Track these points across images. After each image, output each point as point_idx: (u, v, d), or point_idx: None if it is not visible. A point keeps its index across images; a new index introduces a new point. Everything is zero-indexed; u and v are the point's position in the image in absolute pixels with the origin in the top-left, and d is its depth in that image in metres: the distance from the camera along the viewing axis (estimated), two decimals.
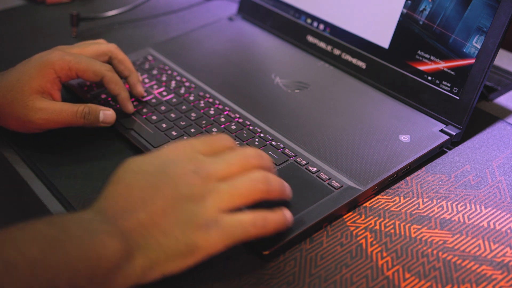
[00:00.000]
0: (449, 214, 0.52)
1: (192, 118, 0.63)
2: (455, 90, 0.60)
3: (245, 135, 0.60)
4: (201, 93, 0.67)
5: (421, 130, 0.60)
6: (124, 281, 0.41)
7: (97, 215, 0.42)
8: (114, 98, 0.66)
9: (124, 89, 0.62)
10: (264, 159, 0.47)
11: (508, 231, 0.50)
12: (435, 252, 0.49)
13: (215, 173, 0.44)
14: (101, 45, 0.64)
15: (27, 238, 0.38)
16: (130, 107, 0.63)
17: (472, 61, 0.59)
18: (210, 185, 0.43)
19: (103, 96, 0.66)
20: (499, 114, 0.66)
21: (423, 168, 0.58)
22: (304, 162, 0.56)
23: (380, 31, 0.67)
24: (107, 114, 0.60)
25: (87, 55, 0.62)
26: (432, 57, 0.62)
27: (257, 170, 0.46)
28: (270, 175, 0.46)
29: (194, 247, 0.42)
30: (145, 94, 0.67)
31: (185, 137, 0.60)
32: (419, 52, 0.63)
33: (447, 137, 0.59)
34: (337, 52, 0.72)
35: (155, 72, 0.71)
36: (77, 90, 0.67)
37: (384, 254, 0.49)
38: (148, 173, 0.44)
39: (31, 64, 0.59)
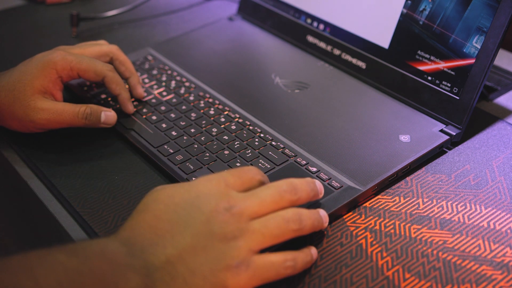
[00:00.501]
0: (449, 214, 0.52)
1: (192, 118, 0.63)
2: (455, 90, 0.60)
3: (245, 135, 0.60)
4: (201, 93, 0.67)
5: (421, 130, 0.60)
6: None
7: (123, 246, 0.41)
8: (114, 98, 0.66)
9: (125, 89, 0.62)
10: (300, 193, 0.46)
11: (508, 231, 0.50)
12: (435, 252, 0.49)
13: (247, 211, 0.43)
14: (103, 46, 0.64)
15: (45, 269, 0.37)
16: (130, 107, 0.63)
17: (472, 61, 0.59)
18: (242, 224, 0.42)
19: (103, 96, 0.66)
20: (499, 114, 0.66)
21: (423, 168, 0.58)
22: (304, 162, 0.56)
23: (380, 31, 0.67)
24: (108, 115, 0.60)
25: (89, 55, 0.62)
26: (432, 57, 0.62)
27: (290, 208, 0.45)
28: (303, 213, 0.45)
29: (222, 287, 0.41)
30: (145, 95, 0.67)
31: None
32: (419, 52, 0.63)
33: (447, 137, 0.59)
34: (337, 52, 0.72)
35: (155, 72, 0.71)
36: (77, 90, 0.67)
37: (384, 254, 0.49)
38: (179, 206, 0.42)
39: (33, 64, 0.59)
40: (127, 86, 0.65)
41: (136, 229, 0.42)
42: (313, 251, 0.47)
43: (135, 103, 0.65)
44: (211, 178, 0.45)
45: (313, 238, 0.50)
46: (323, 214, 0.48)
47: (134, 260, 0.40)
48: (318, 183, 0.48)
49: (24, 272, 0.36)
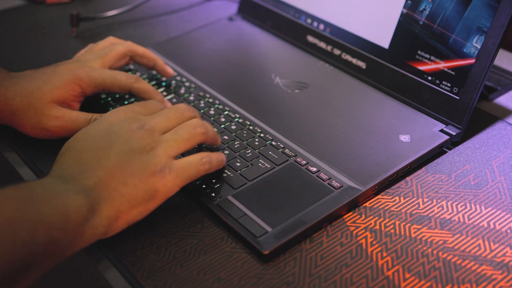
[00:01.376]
0: (449, 214, 0.52)
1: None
2: (455, 90, 0.60)
3: (245, 135, 0.60)
4: (201, 93, 0.67)
5: (421, 130, 0.60)
6: (93, 231, 0.44)
7: (57, 179, 0.45)
8: (114, 99, 0.66)
9: (155, 92, 0.62)
10: (195, 111, 0.54)
11: (508, 231, 0.50)
12: (435, 252, 0.49)
13: (157, 126, 0.50)
14: (119, 47, 0.64)
15: (1, 199, 0.41)
16: (168, 105, 0.62)
17: (472, 61, 0.59)
18: (156, 137, 0.49)
19: (103, 96, 0.66)
20: (499, 114, 0.66)
21: (423, 168, 0.58)
22: (304, 162, 0.56)
23: (380, 31, 0.67)
24: None
25: (110, 63, 0.63)
26: (432, 57, 0.62)
27: (193, 118, 0.52)
28: (204, 122, 0.52)
29: (154, 191, 0.47)
30: (174, 73, 0.70)
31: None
32: (419, 52, 0.63)
33: (447, 137, 0.59)
34: (337, 52, 0.72)
35: (155, 72, 0.71)
36: None
37: (384, 254, 0.49)
38: (96, 137, 0.48)
39: (57, 75, 0.59)
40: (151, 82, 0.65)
41: (63, 166, 0.47)
42: (222, 154, 0.54)
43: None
44: (118, 109, 0.51)
45: (313, 237, 0.50)
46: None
47: (70, 186, 0.44)
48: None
49: None
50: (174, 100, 0.66)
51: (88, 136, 0.48)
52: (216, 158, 0.52)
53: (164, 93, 0.67)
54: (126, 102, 0.65)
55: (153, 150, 0.48)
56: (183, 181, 0.48)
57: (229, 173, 0.55)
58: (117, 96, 0.67)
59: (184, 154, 0.54)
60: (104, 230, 0.45)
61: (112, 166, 0.46)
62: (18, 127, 0.59)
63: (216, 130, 0.56)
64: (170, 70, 0.68)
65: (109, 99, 0.66)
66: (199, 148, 0.56)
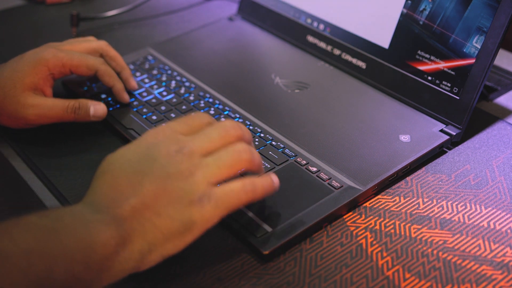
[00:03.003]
0: (449, 214, 0.52)
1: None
2: (455, 90, 0.60)
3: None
4: (201, 93, 0.67)
5: (421, 130, 0.60)
6: (122, 266, 0.41)
7: (88, 206, 0.42)
8: (114, 99, 0.66)
9: (118, 80, 0.64)
10: (243, 129, 0.48)
11: (508, 231, 0.50)
12: (435, 252, 0.49)
13: (198, 149, 0.45)
14: (92, 43, 0.65)
15: (21, 229, 0.38)
16: (126, 96, 0.64)
17: (472, 61, 0.59)
18: (196, 161, 0.44)
19: (103, 96, 0.66)
20: (499, 114, 0.66)
21: (423, 168, 0.58)
22: (304, 162, 0.56)
23: (380, 31, 0.67)
24: (97, 109, 0.60)
25: (79, 51, 0.63)
26: (432, 57, 0.62)
27: (239, 142, 0.46)
28: (251, 147, 0.47)
29: (190, 223, 0.42)
30: (137, 88, 0.68)
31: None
32: (419, 52, 0.63)
33: (447, 137, 0.59)
34: (337, 52, 0.72)
35: (155, 72, 0.71)
36: (77, 90, 0.67)
37: (384, 254, 0.48)
38: (132, 161, 0.44)
39: (24, 61, 0.59)
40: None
41: (97, 192, 0.43)
42: (273, 176, 0.48)
43: (135, 102, 0.65)
44: (158, 129, 0.46)
45: (313, 237, 0.50)
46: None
47: (101, 215, 0.41)
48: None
49: (2, 235, 0.38)
50: (174, 100, 0.66)
51: (124, 159, 0.45)
52: (261, 186, 0.46)
53: (164, 93, 0.67)
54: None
55: (192, 176, 0.43)
56: (223, 211, 0.43)
57: None
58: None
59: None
60: (135, 264, 0.42)
61: (146, 194, 0.42)
62: None
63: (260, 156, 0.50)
64: (134, 83, 0.66)
65: (109, 98, 0.66)
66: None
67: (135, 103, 0.65)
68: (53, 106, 0.59)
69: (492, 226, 0.51)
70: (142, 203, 0.42)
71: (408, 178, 0.56)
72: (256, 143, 0.59)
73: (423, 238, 0.50)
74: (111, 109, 0.64)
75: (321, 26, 0.74)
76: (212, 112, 0.64)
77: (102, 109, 0.61)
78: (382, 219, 0.52)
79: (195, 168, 0.43)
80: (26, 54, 0.60)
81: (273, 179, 0.47)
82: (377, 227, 0.51)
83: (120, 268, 0.41)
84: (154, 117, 0.63)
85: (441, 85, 0.62)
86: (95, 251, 0.39)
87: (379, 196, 0.55)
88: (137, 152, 0.45)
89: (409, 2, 0.64)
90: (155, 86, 0.69)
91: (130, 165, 0.44)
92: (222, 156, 0.45)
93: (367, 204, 0.54)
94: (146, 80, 0.70)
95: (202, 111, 0.64)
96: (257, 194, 0.45)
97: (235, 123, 0.47)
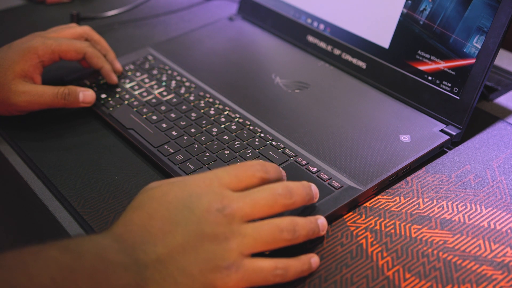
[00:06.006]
0: (449, 214, 0.52)
1: (192, 118, 0.63)
2: (456, 90, 0.60)
3: (245, 135, 0.60)
4: (201, 93, 0.67)
5: (421, 130, 0.60)
6: None
7: (114, 242, 0.41)
8: (115, 99, 0.66)
9: (106, 62, 0.66)
10: (295, 197, 0.45)
11: (509, 231, 0.50)
12: (435, 252, 0.49)
13: (240, 212, 0.42)
14: (76, 28, 0.67)
15: (39, 264, 0.37)
16: (114, 77, 0.67)
17: (473, 61, 0.59)
18: (234, 226, 0.42)
19: (103, 96, 0.66)
20: (499, 114, 0.66)
21: (423, 168, 0.58)
22: (305, 162, 0.56)
23: (380, 31, 0.67)
24: (86, 94, 0.62)
25: (65, 37, 0.65)
26: (432, 57, 0.62)
27: (287, 217, 0.44)
28: (298, 223, 0.44)
29: (211, 287, 0.41)
30: (122, 70, 0.70)
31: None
32: (419, 52, 0.63)
33: (447, 137, 0.59)
34: (337, 52, 0.72)
35: (155, 72, 0.71)
36: None
37: (385, 254, 0.48)
38: (172, 205, 0.42)
39: (13, 50, 0.61)
40: None
41: (129, 226, 0.42)
42: (313, 260, 0.46)
43: (135, 103, 0.65)
44: (206, 177, 0.44)
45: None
46: (321, 222, 0.47)
47: (125, 257, 0.40)
48: (314, 187, 0.48)
49: (18, 268, 0.36)
50: (174, 100, 0.66)
51: (164, 199, 0.43)
52: (294, 271, 0.44)
53: (164, 93, 0.67)
54: (118, 95, 0.65)
55: (226, 242, 0.41)
56: (246, 285, 0.42)
57: None
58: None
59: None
60: None
61: (175, 246, 0.41)
62: None
63: (321, 222, 0.47)
64: (119, 65, 0.69)
65: (109, 98, 0.66)
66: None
67: (135, 103, 0.65)
68: (43, 92, 0.60)
69: (492, 226, 0.51)
70: (169, 255, 0.40)
71: (408, 178, 0.56)
72: (256, 143, 0.59)
73: (423, 238, 0.50)
74: (118, 106, 0.64)
75: (321, 26, 0.74)
76: (212, 112, 0.64)
77: (91, 95, 0.62)
78: (382, 219, 0.52)
79: (232, 235, 0.42)
80: (14, 44, 0.62)
81: (312, 264, 0.45)
82: (377, 227, 0.51)
83: None
84: (154, 117, 0.63)
85: (441, 85, 0.62)
86: None
87: (379, 196, 0.55)
88: (178, 197, 0.43)
89: (409, 2, 0.64)
90: (155, 86, 0.69)
91: (168, 208, 0.42)
92: (263, 229, 0.42)
93: (367, 204, 0.54)
94: (146, 80, 0.70)
95: (202, 111, 0.64)
96: (287, 279, 0.44)
97: (287, 188, 0.45)
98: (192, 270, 0.40)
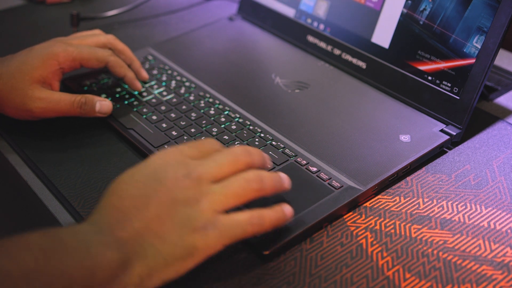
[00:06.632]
0: (449, 214, 0.52)
1: (192, 118, 0.63)
2: (456, 90, 0.60)
3: (245, 135, 0.60)
4: (201, 93, 0.67)
5: (421, 130, 0.60)
6: None
7: (92, 226, 0.42)
8: (114, 98, 0.66)
9: (129, 70, 0.65)
10: (254, 156, 0.47)
11: (509, 231, 0.50)
12: (435, 252, 0.49)
13: (206, 175, 0.44)
14: (100, 37, 0.66)
15: (21, 248, 0.38)
16: (138, 85, 0.66)
17: (473, 61, 0.59)
18: (203, 187, 0.43)
19: (103, 96, 0.66)
20: (499, 114, 0.66)
21: (423, 168, 0.58)
22: (304, 162, 0.56)
23: (380, 31, 0.67)
24: (103, 104, 0.61)
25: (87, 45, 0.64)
26: (432, 57, 0.62)
27: (250, 169, 0.46)
28: (263, 173, 0.46)
29: (193, 250, 0.42)
30: (148, 78, 0.69)
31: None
32: (419, 52, 0.63)
33: (447, 137, 0.59)
34: (337, 52, 0.72)
35: (155, 72, 0.71)
36: (76, 89, 0.67)
37: (385, 254, 0.48)
38: (139, 182, 0.44)
39: (34, 54, 0.60)
40: None
41: (102, 212, 0.43)
42: (286, 208, 0.47)
43: (135, 102, 0.65)
44: (167, 151, 0.46)
45: (313, 237, 0.50)
46: (283, 175, 0.48)
47: (104, 237, 0.41)
48: (282, 174, 0.49)
49: (1, 253, 0.37)
50: (174, 100, 0.66)
51: (132, 180, 0.44)
52: (269, 219, 0.45)
53: (164, 93, 0.67)
54: (118, 95, 0.65)
55: (198, 203, 0.43)
56: (227, 240, 0.43)
57: None
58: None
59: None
60: None
61: (151, 217, 0.42)
62: (2, 109, 0.60)
63: (283, 176, 0.48)
64: (144, 74, 0.68)
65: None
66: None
67: (135, 103, 0.65)
68: (60, 100, 0.59)
69: (492, 226, 0.51)
70: (146, 227, 0.41)
71: (408, 178, 0.56)
72: (256, 143, 0.59)
73: (423, 238, 0.50)
74: (118, 105, 0.64)
75: (321, 26, 0.74)
76: (212, 112, 0.64)
77: (108, 106, 0.61)
78: (382, 219, 0.52)
79: (202, 195, 0.43)
80: (35, 48, 0.61)
81: (286, 212, 0.46)
82: (377, 227, 0.51)
83: None
84: (154, 117, 0.63)
85: (441, 85, 0.62)
86: (95, 274, 0.39)
87: (379, 196, 0.55)
88: (144, 174, 0.44)
89: (409, 2, 0.64)
90: (155, 86, 0.69)
91: (136, 186, 0.43)
92: (230, 184, 0.44)
93: (367, 204, 0.54)
94: (146, 80, 0.70)
95: (202, 111, 0.64)
96: (264, 227, 0.45)
97: (245, 149, 0.47)
98: (171, 237, 0.41)
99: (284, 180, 0.48)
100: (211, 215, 0.42)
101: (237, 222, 0.43)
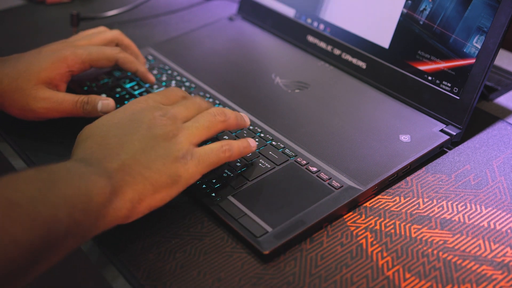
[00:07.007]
0: (449, 214, 0.52)
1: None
2: (455, 90, 0.60)
3: (245, 135, 0.60)
4: (201, 93, 0.67)
5: (421, 130, 0.60)
6: (116, 214, 0.44)
7: (80, 162, 0.45)
8: (98, 85, 0.66)
9: (139, 64, 0.66)
10: (210, 104, 0.56)
11: (509, 231, 0.50)
12: (435, 252, 0.49)
13: (179, 115, 0.51)
14: (106, 34, 0.66)
15: (23, 180, 0.41)
16: (151, 77, 0.67)
17: (473, 61, 0.59)
18: (178, 124, 0.50)
19: (103, 96, 0.66)
20: (499, 114, 0.66)
21: (423, 168, 0.58)
22: (304, 162, 0.56)
23: (380, 31, 0.67)
24: (105, 104, 0.61)
25: (95, 45, 0.64)
26: (432, 57, 0.62)
27: (213, 108, 0.53)
28: (225, 109, 0.54)
29: (176, 177, 0.47)
30: (154, 80, 0.69)
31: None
32: (419, 52, 0.63)
33: (447, 137, 0.59)
34: (337, 52, 0.72)
35: (155, 72, 0.71)
36: (78, 90, 0.67)
37: (385, 254, 0.48)
38: (120, 124, 0.49)
39: (42, 56, 0.60)
40: None
41: (87, 150, 0.47)
42: (250, 140, 0.54)
43: None
44: (140, 99, 0.52)
45: (313, 237, 0.50)
46: (243, 114, 0.56)
47: (94, 168, 0.44)
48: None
49: (6, 185, 0.40)
50: None
51: (111, 122, 0.49)
52: (237, 146, 0.52)
53: None
54: (119, 95, 0.65)
55: (176, 137, 0.49)
56: (204, 167, 0.49)
57: (229, 173, 0.55)
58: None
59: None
60: (127, 213, 0.45)
61: (136, 150, 0.47)
62: (6, 109, 0.60)
63: (243, 114, 0.56)
64: (151, 76, 0.67)
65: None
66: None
67: None
68: (63, 100, 0.59)
69: (492, 226, 0.51)
70: (132, 158, 0.46)
71: (408, 178, 0.56)
72: (256, 143, 0.59)
73: (423, 238, 0.50)
74: (118, 105, 0.64)
75: (321, 26, 0.74)
76: None
77: (110, 105, 0.61)
78: (382, 219, 0.52)
79: (178, 131, 0.49)
80: (44, 50, 0.61)
81: (249, 142, 0.54)
82: (377, 227, 0.51)
83: (114, 216, 0.44)
84: None
85: (441, 85, 0.62)
86: (91, 199, 0.42)
87: (379, 196, 0.55)
88: (123, 117, 0.50)
89: (409, 2, 0.64)
90: (155, 86, 0.68)
91: (118, 127, 0.48)
92: (200, 119, 0.51)
93: (367, 204, 0.54)
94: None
95: None
96: (234, 154, 0.52)
97: (203, 99, 0.55)
98: (156, 165, 0.46)
99: (244, 115, 0.56)
100: (188, 147, 0.49)
101: (210, 150, 0.50)
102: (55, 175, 0.43)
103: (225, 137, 0.59)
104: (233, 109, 0.64)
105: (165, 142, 0.48)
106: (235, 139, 0.59)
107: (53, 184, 0.41)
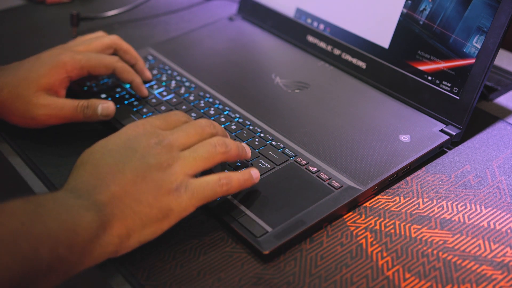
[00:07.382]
0: (449, 214, 0.52)
1: (192, 118, 0.63)
2: (455, 90, 0.60)
3: (245, 135, 0.60)
4: (201, 93, 0.67)
5: (421, 130, 0.60)
6: (103, 250, 0.43)
7: (70, 193, 0.44)
8: (114, 98, 0.66)
9: (136, 75, 0.65)
10: (217, 127, 0.51)
11: (508, 231, 0.50)
12: (435, 252, 0.49)
13: (176, 142, 0.48)
14: (105, 39, 0.66)
15: (7, 213, 0.40)
16: (145, 91, 0.66)
17: (472, 61, 0.59)
18: (174, 153, 0.47)
19: (103, 96, 0.66)
20: (499, 114, 0.66)
21: (423, 168, 0.58)
22: (304, 162, 0.56)
23: (380, 31, 0.67)
24: (105, 107, 0.60)
25: (94, 51, 0.64)
26: (432, 57, 0.62)
27: (214, 136, 0.50)
28: (226, 139, 0.50)
29: (168, 211, 0.45)
30: (152, 78, 0.69)
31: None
32: (419, 52, 0.63)
33: (447, 137, 0.59)
34: (337, 52, 0.72)
35: (155, 72, 0.71)
36: (78, 91, 0.67)
37: (384, 254, 0.48)
38: (113, 151, 0.46)
39: (41, 62, 0.60)
40: None
41: (78, 179, 0.45)
42: (253, 171, 0.51)
43: (135, 103, 0.65)
44: (137, 123, 0.49)
45: (313, 237, 0.50)
46: (244, 144, 0.53)
47: (83, 201, 0.43)
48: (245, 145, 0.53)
49: None
50: (174, 100, 0.66)
51: (105, 149, 0.47)
52: (237, 180, 0.49)
53: (164, 93, 0.67)
54: (118, 95, 0.65)
55: (170, 167, 0.46)
56: (198, 201, 0.46)
57: None
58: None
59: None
60: (114, 249, 0.44)
61: (126, 182, 0.44)
62: (7, 118, 0.60)
63: (244, 144, 0.53)
64: (148, 74, 0.69)
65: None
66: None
67: (135, 103, 0.65)
68: (64, 106, 0.59)
69: (492, 226, 0.51)
70: (123, 190, 0.44)
71: (408, 178, 0.56)
72: (256, 143, 0.59)
73: (423, 238, 0.50)
74: (118, 105, 0.64)
75: (321, 26, 0.74)
76: (212, 112, 0.64)
77: (110, 108, 0.61)
78: (382, 219, 0.52)
79: (173, 160, 0.46)
80: (42, 56, 0.61)
81: (252, 174, 0.50)
82: (377, 227, 0.51)
83: (100, 251, 0.43)
84: None
85: (441, 85, 0.62)
86: (77, 233, 0.41)
87: (379, 196, 0.55)
88: (117, 144, 0.47)
89: (409, 2, 0.64)
90: (155, 86, 0.69)
91: (111, 155, 0.46)
92: (198, 149, 0.48)
93: (367, 204, 0.54)
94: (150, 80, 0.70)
95: (202, 111, 0.64)
96: (232, 188, 0.48)
97: (209, 121, 0.51)
98: (147, 198, 0.44)
99: (245, 147, 0.52)
100: (183, 178, 0.46)
101: (206, 183, 0.47)
102: (42, 207, 0.41)
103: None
104: (234, 110, 0.64)
105: (158, 172, 0.45)
106: (234, 139, 0.59)
107: (38, 217, 0.40)
